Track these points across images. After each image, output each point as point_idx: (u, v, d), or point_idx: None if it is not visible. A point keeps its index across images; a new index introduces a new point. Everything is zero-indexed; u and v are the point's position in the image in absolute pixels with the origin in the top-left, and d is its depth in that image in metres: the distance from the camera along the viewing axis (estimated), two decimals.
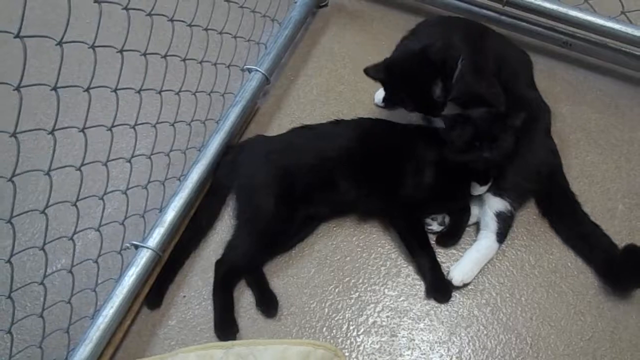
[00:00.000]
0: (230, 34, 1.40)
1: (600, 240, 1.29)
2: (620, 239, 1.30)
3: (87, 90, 0.94)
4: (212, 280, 1.29)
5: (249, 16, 1.49)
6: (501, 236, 1.31)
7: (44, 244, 0.98)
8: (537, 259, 1.32)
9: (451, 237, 1.35)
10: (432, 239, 1.34)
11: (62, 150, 1.02)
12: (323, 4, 1.76)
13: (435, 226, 1.35)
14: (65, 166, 1.00)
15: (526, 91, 1.40)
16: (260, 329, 1.25)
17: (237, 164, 1.38)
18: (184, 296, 1.30)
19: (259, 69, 1.52)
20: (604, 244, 1.29)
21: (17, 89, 0.77)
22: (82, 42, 0.89)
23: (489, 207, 1.31)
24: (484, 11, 1.63)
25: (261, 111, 1.57)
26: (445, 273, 1.29)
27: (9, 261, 0.92)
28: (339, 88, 1.60)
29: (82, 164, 1.00)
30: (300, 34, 1.69)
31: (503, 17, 1.61)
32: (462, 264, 1.29)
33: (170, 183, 1.35)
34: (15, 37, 0.74)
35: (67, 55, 0.87)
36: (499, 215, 1.30)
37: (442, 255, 1.33)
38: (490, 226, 1.31)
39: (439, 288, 1.28)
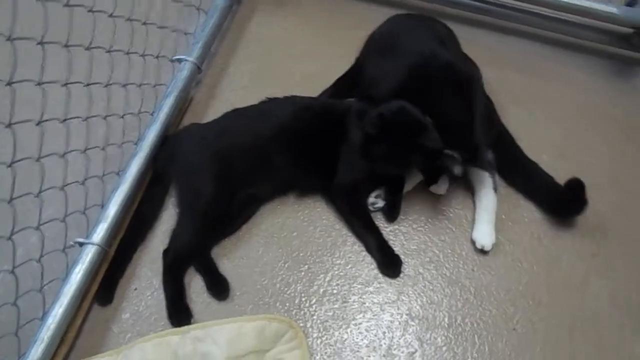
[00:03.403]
0: (155, 24, 1.40)
1: (541, 176, 1.40)
2: None
3: (9, 84, 0.93)
4: (161, 270, 1.29)
5: (173, 6, 1.49)
6: (496, 185, 1.39)
7: None
8: (473, 215, 1.39)
9: (394, 209, 1.39)
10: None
11: None
12: None
13: (380, 203, 1.39)
14: None
15: (462, 57, 1.47)
16: (214, 311, 1.26)
17: (174, 152, 1.38)
18: (135, 289, 1.30)
19: (188, 58, 1.53)
20: (545, 178, 1.39)
21: None
22: None
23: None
24: None
25: (195, 100, 1.58)
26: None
27: None
28: (270, 73, 1.63)
29: (13, 162, 0.99)
30: (228, 22, 1.71)
31: None
32: (481, 229, 1.35)
33: (110, 178, 1.34)
34: None
35: None
36: (489, 170, 1.38)
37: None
38: (485, 182, 1.38)
39: (389, 264, 1.33)
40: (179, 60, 1.53)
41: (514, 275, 1.32)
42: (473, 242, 1.35)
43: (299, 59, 1.65)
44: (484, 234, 1.35)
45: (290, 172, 1.36)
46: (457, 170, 1.26)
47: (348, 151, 1.34)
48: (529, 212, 1.41)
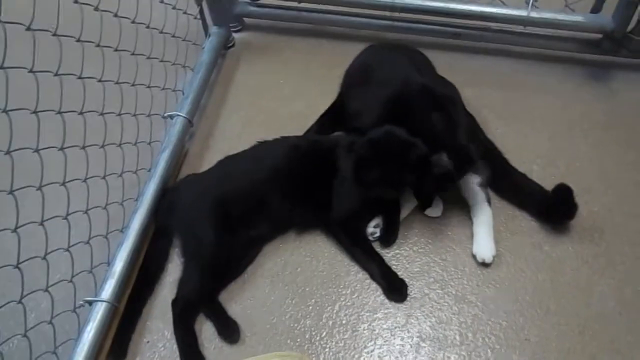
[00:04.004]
0: (143, 84, 1.47)
1: (531, 185, 1.43)
2: None
3: (8, 153, 0.98)
4: (172, 320, 1.31)
5: (159, 66, 1.56)
6: (489, 198, 1.41)
7: None
8: (472, 231, 1.41)
9: (390, 235, 1.42)
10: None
11: None
12: (230, 44, 1.86)
13: (379, 232, 1.42)
14: (1, 230, 1.02)
15: (439, 80, 1.53)
16: (227, 355, 1.27)
17: (173, 204, 1.42)
18: (148, 342, 1.31)
19: (180, 113, 1.58)
20: (535, 187, 1.42)
21: None
22: None
23: (470, 183, 1.40)
24: (376, 21, 1.77)
25: (190, 153, 1.63)
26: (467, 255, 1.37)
27: None
28: (260, 117, 1.68)
29: (17, 227, 1.03)
30: (214, 75, 1.78)
31: (396, 23, 1.75)
32: (481, 243, 1.37)
33: (114, 236, 1.37)
34: None
35: None
36: (481, 184, 1.40)
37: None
38: (478, 197, 1.40)
39: (395, 288, 1.34)
40: (171, 117, 1.58)
41: (519, 285, 1.33)
42: (474, 257, 1.37)
43: (286, 101, 1.71)
44: (484, 247, 1.37)
45: (288, 211, 1.39)
46: (445, 162, 1.28)
47: (340, 184, 1.37)
48: (526, 222, 1.43)
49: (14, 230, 1.02)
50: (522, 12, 1.60)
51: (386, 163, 1.28)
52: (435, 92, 1.35)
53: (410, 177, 1.30)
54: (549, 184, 1.42)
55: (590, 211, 1.40)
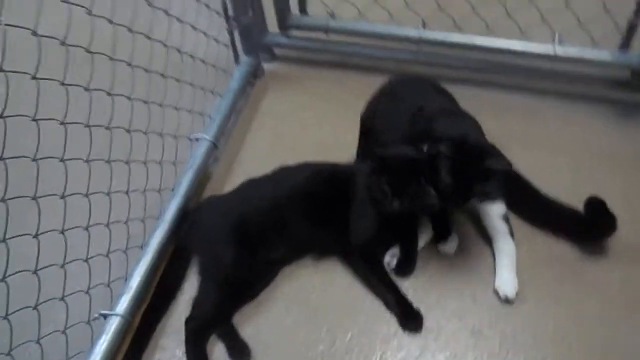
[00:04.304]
0: (172, 106, 1.51)
1: (564, 208, 1.40)
2: None
3: (35, 160, 1.02)
4: (184, 339, 1.31)
5: (189, 90, 1.61)
6: (512, 231, 1.38)
7: (7, 314, 1.01)
8: (491, 264, 1.38)
9: (407, 265, 1.40)
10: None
11: (18, 221, 1.08)
12: (259, 74, 1.91)
13: (395, 261, 1.40)
14: (23, 234, 1.05)
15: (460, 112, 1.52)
16: None
17: (194, 225, 1.44)
18: (159, 359, 1.31)
19: (205, 136, 1.62)
20: (568, 209, 1.40)
21: None
22: (25, 116, 0.98)
23: (493, 214, 1.37)
24: (403, 55, 1.80)
25: (214, 176, 1.66)
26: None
27: None
28: (283, 144, 1.71)
29: (38, 233, 1.06)
30: (242, 102, 1.82)
31: (421, 57, 1.77)
32: (504, 278, 1.34)
33: (133, 253, 1.40)
34: None
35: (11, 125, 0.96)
36: (504, 216, 1.38)
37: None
38: (501, 229, 1.38)
39: (410, 319, 1.32)
40: (197, 139, 1.62)
41: (539, 320, 1.29)
42: (496, 292, 1.34)
43: (309, 129, 1.73)
44: (507, 283, 1.33)
45: (306, 235, 1.40)
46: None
47: (358, 211, 1.37)
48: (548, 253, 1.40)
49: (35, 236, 1.05)
50: (548, 48, 1.60)
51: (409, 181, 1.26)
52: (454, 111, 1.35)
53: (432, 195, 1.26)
54: None
55: (617, 238, 1.36)
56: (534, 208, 1.45)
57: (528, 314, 1.30)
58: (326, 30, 1.80)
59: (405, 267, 1.40)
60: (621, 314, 1.29)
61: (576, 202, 1.44)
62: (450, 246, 1.41)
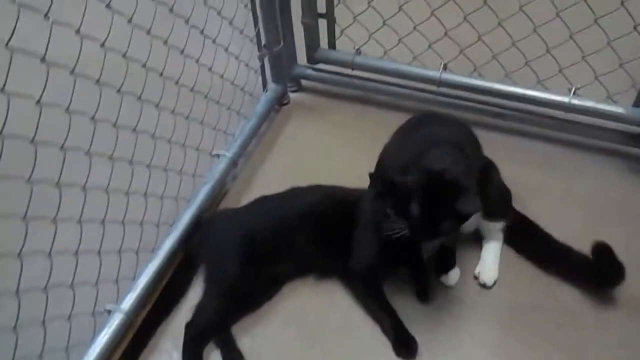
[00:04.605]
0: (197, 120, 1.59)
1: (574, 253, 1.41)
2: None
3: (62, 148, 1.09)
4: (182, 343, 1.34)
5: (214, 108, 1.69)
6: (505, 237, 1.48)
7: (17, 289, 1.07)
8: (490, 299, 1.40)
9: (423, 289, 1.42)
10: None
11: (39, 203, 1.15)
12: (285, 102, 1.99)
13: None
14: (42, 217, 1.11)
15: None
16: None
17: (205, 234, 1.50)
18: None
19: (226, 153, 1.69)
20: (576, 255, 1.41)
21: None
22: (60, 106, 1.06)
23: (495, 227, 1.46)
24: (423, 94, 1.86)
25: (230, 193, 1.72)
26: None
27: None
28: (300, 169, 1.76)
29: (56, 216, 1.12)
30: (265, 127, 1.89)
31: (440, 98, 1.83)
32: (487, 266, 1.43)
33: (143, 256, 1.45)
34: None
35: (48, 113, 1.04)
36: (503, 229, 1.47)
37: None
38: (496, 237, 1.47)
39: (404, 345, 1.33)
40: (218, 156, 1.69)
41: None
42: (476, 277, 1.40)
43: (327, 157, 1.79)
44: (489, 270, 1.41)
45: (311, 254, 1.43)
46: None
47: (360, 235, 1.41)
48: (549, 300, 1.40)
49: (53, 220, 1.11)
50: (564, 98, 1.64)
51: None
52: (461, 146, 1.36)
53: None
54: None
55: (622, 296, 1.37)
56: (543, 251, 1.46)
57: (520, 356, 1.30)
58: (352, 66, 1.88)
59: (421, 291, 1.42)
60: None
61: (585, 249, 1.45)
62: (452, 278, 1.43)
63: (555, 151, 1.76)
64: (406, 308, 1.38)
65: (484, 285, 1.41)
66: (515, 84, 1.71)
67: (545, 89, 1.69)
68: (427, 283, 1.43)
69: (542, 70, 1.71)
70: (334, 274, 1.47)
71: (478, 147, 1.48)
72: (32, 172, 1.03)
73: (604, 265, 1.36)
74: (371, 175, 1.30)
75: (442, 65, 1.76)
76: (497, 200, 1.43)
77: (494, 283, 1.41)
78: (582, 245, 1.46)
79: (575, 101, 1.63)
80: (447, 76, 1.76)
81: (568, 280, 1.43)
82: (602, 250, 1.36)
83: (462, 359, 1.30)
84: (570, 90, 1.64)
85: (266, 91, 1.92)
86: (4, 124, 0.94)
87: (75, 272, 1.24)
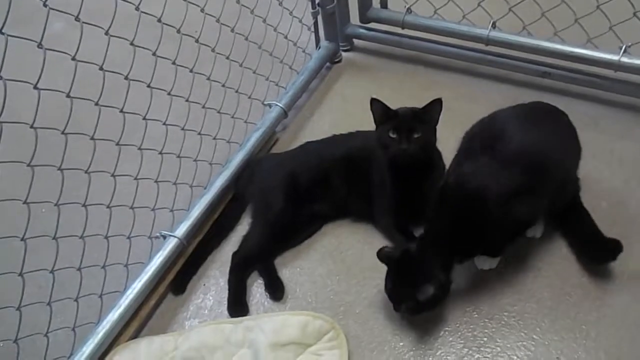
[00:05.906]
0: (251, 69, 1.70)
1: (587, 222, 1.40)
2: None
3: (127, 78, 1.22)
4: (228, 271, 1.46)
5: (268, 59, 1.79)
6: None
7: (85, 201, 1.21)
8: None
9: None
10: None
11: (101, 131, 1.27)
12: (337, 60, 2.07)
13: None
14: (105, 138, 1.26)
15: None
16: (266, 310, 1.40)
17: (253, 175, 1.61)
18: (204, 284, 1.48)
19: (278, 103, 1.79)
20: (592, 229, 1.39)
21: None
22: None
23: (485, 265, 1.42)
24: (471, 53, 1.88)
25: (280, 141, 1.82)
26: None
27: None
28: (347, 122, 1.80)
29: (119, 142, 1.26)
30: (316, 83, 1.98)
31: (488, 57, 1.85)
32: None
33: (197, 190, 1.58)
34: None
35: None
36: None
37: None
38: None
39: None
40: (270, 105, 1.80)
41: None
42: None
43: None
44: (489, 262, 1.39)
45: (345, 195, 1.52)
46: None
47: (379, 179, 1.47)
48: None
49: (117, 144, 1.25)
50: (613, 56, 1.63)
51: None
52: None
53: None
54: (612, 222, 1.41)
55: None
56: (567, 217, 1.45)
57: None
58: (402, 25, 1.92)
59: None
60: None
61: (620, 209, 1.46)
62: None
63: (602, 112, 1.75)
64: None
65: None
66: (563, 42, 1.71)
67: (595, 47, 1.68)
68: None
69: (592, 28, 1.69)
70: (365, 216, 1.54)
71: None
72: (99, 97, 1.16)
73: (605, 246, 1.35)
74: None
75: (490, 23, 1.78)
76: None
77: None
78: (619, 204, 1.47)
79: (625, 59, 1.61)
80: (496, 34, 1.77)
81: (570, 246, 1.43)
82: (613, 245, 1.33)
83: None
84: (620, 49, 1.62)
85: (319, 48, 2.00)
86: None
87: (135, 196, 1.38)
